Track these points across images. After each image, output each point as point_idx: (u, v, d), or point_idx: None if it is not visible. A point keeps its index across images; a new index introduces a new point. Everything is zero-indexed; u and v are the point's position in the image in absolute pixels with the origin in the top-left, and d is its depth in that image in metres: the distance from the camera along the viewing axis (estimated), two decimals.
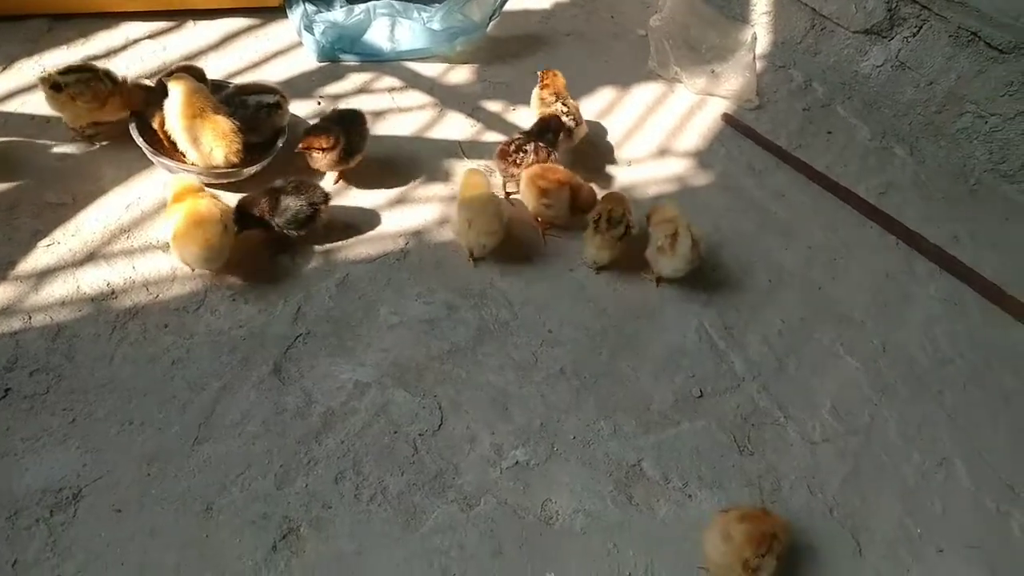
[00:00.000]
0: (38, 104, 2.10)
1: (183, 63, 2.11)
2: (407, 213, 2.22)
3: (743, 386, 2.10)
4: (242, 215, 1.89)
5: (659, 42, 3.04)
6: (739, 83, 3.01)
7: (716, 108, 2.95)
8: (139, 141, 2.01)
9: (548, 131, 2.32)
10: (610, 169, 2.56)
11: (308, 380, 1.79)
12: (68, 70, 1.93)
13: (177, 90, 1.92)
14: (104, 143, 2.06)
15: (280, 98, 2.10)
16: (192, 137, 1.93)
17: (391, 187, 2.26)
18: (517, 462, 1.79)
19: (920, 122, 3.02)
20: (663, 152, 2.70)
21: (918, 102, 3.00)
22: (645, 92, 2.91)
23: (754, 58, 3.08)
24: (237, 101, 2.03)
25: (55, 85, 1.90)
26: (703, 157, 2.74)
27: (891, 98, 3.06)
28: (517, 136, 2.30)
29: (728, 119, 2.92)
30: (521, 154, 2.24)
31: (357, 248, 2.09)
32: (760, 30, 3.28)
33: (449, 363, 1.92)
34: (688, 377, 2.08)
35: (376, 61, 2.58)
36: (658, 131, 2.78)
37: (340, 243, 2.08)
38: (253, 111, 2.04)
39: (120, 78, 2.00)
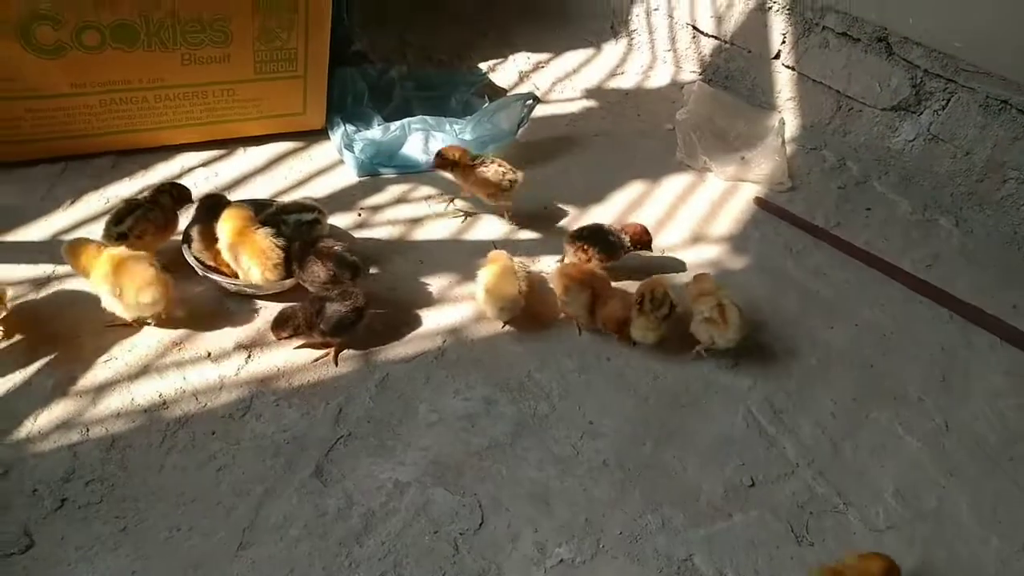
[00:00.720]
0: (100, 233, 2.28)
1: (170, 181, 2.28)
2: (444, 312, 2.27)
3: (797, 472, 2.02)
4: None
5: (686, 134, 3.13)
6: (770, 167, 3.05)
7: (748, 193, 2.98)
8: (189, 259, 2.15)
9: (610, 235, 2.41)
10: (644, 256, 2.59)
11: (349, 481, 1.80)
12: (119, 217, 2.06)
13: (222, 216, 2.07)
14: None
15: (318, 214, 2.23)
16: (233, 256, 2.05)
17: (428, 288, 2.33)
18: (562, 560, 1.74)
19: (962, 192, 2.98)
20: (697, 239, 2.72)
21: (957, 172, 2.98)
22: (675, 183, 2.97)
23: (783, 142, 3.13)
24: (279, 220, 2.16)
25: (120, 236, 2.03)
26: (738, 241, 2.75)
27: (929, 171, 3.05)
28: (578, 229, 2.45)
29: (761, 202, 2.94)
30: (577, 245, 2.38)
31: (396, 348, 2.14)
32: (787, 115, 3.35)
33: (488, 459, 1.91)
34: (738, 466, 2.01)
35: (412, 172, 2.72)
36: (690, 219, 2.81)
37: (379, 344, 2.14)
38: (294, 228, 2.17)
39: (170, 191, 2.17)
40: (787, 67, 3.32)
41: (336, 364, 2.06)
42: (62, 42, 2.20)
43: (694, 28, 3.54)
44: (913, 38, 2.91)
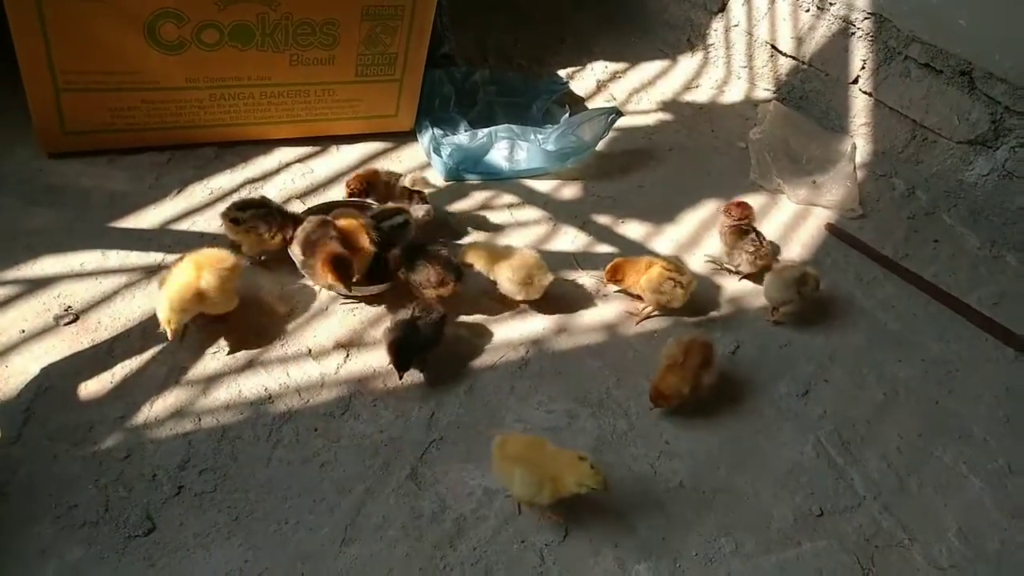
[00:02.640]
0: (205, 223, 2.38)
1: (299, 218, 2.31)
2: (527, 322, 2.35)
3: (864, 505, 2.09)
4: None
5: (760, 154, 3.16)
6: (841, 193, 3.08)
7: (819, 218, 3.02)
8: (294, 258, 2.24)
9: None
10: (719, 280, 2.65)
11: (442, 485, 1.90)
12: (245, 205, 2.19)
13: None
14: (264, 257, 2.30)
15: (407, 216, 2.32)
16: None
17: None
18: None
19: None
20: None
21: None
22: (749, 203, 3.00)
23: (855, 168, 3.15)
24: (375, 227, 2.26)
25: (234, 219, 2.16)
26: (809, 267, 2.78)
27: (1000, 206, 3.06)
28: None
29: (832, 229, 2.98)
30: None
31: (483, 357, 2.23)
32: (860, 140, 3.36)
33: None
34: (807, 494, 2.08)
35: (496, 179, 2.79)
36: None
37: (466, 351, 2.22)
38: (388, 233, 2.26)
39: (290, 213, 2.26)
40: (864, 92, 3.33)
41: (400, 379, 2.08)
42: (183, 39, 2.28)
43: (773, 47, 3.55)
44: (998, 74, 2.91)
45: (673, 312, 2.46)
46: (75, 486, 1.73)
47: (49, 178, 2.39)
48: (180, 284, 1.92)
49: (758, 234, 2.65)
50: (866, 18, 3.21)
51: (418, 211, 2.41)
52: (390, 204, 2.40)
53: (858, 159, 3.21)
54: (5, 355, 1.94)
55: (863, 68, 3.29)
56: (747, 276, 2.65)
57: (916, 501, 2.13)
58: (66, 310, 2.06)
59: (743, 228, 2.63)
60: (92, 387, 1.91)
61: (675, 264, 2.43)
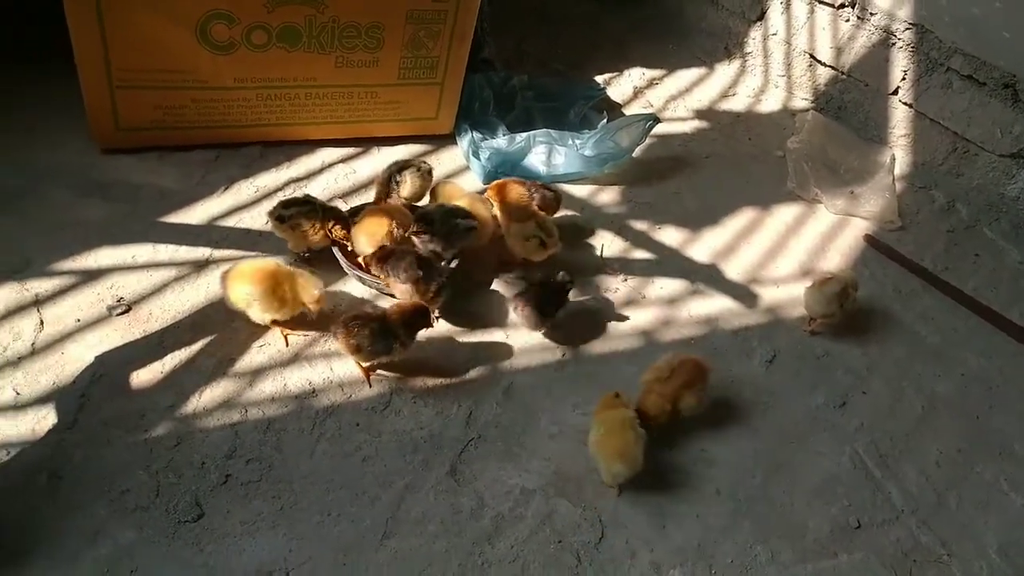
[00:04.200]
0: (251, 220, 2.43)
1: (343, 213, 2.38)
2: (563, 325, 2.36)
3: (902, 519, 2.08)
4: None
5: (798, 163, 3.15)
6: (879, 204, 3.06)
7: (857, 229, 3.00)
8: (339, 256, 2.29)
9: None
10: (756, 289, 2.65)
11: (480, 483, 1.92)
12: (289, 203, 2.23)
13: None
14: (308, 255, 2.34)
15: (477, 224, 2.34)
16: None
17: None
18: None
19: None
20: (806, 272, 2.76)
21: None
22: (786, 212, 3.01)
23: (894, 180, 3.13)
24: (446, 219, 2.29)
25: (279, 217, 2.21)
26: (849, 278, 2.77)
27: None
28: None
29: (870, 240, 2.96)
30: None
31: (520, 357, 2.25)
32: (899, 152, 3.34)
33: None
34: (844, 506, 2.07)
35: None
36: (800, 251, 2.85)
37: (505, 353, 2.25)
38: (462, 231, 2.30)
39: (333, 208, 2.31)
40: (904, 104, 3.30)
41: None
42: (234, 40, 2.34)
43: (811, 56, 3.54)
44: None
45: (708, 322, 2.47)
46: (127, 471, 1.78)
47: (102, 173, 2.45)
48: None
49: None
50: (907, 29, 3.20)
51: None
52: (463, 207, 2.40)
53: (897, 171, 3.20)
54: (61, 343, 2.00)
55: (903, 79, 3.27)
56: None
57: (955, 517, 2.11)
58: (119, 301, 2.12)
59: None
60: (143, 376, 1.97)
61: (548, 223, 2.45)
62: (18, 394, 1.88)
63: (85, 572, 1.61)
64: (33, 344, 1.99)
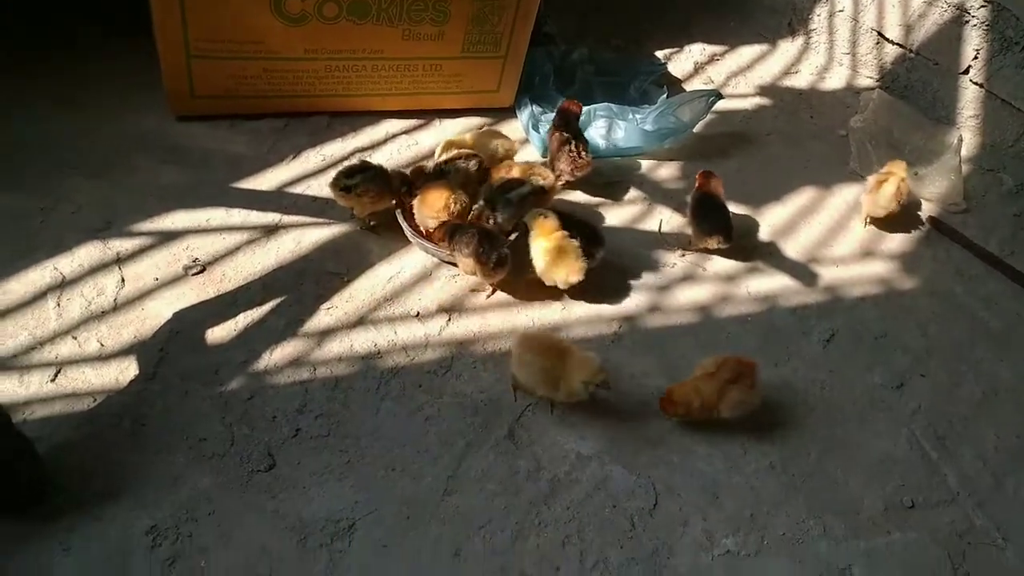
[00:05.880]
0: (318, 188, 2.50)
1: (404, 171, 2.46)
2: (620, 297, 2.39)
3: (958, 501, 2.07)
4: None
5: (860, 143, 3.10)
6: (944, 186, 3.00)
7: (921, 210, 2.95)
8: (403, 224, 2.35)
9: None
10: (816, 268, 2.63)
11: (538, 447, 1.98)
12: (351, 172, 2.28)
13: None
14: (374, 223, 2.41)
15: (531, 187, 2.39)
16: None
17: (604, 274, 2.42)
18: (728, 551, 1.87)
19: None
20: (867, 253, 2.73)
21: None
22: (847, 192, 2.97)
23: (960, 161, 3.05)
24: (499, 196, 2.35)
25: (344, 187, 2.26)
26: (908, 260, 2.74)
27: None
28: None
29: (934, 222, 2.91)
30: None
31: (577, 328, 2.29)
32: (967, 132, 3.25)
33: (662, 448, 2.04)
34: (898, 486, 2.07)
35: (593, 158, 2.82)
36: (861, 232, 2.81)
37: (562, 324, 2.29)
38: (517, 203, 2.35)
39: (400, 175, 2.37)
40: (975, 83, 3.21)
41: None
42: (306, 12, 2.39)
43: (879, 34, 3.46)
44: None
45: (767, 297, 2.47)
46: (204, 422, 1.88)
47: (178, 139, 2.55)
48: None
49: (577, 145, 2.59)
50: (982, 6, 3.09)
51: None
52: (513, 177, 2.44)
53: (964, 152, 3.11)
54: (141, 300, 2.10)
55: (975, 58, 3.17)
56: (568, 185, 2.65)
57: (1012, 502, 2.10)
58: (194, 261, 2.21)
59: (565, 138, 2.60)
60: (218, 333, 2.06)
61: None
62: (103, 346, 1.99)
63: (167, 514, 1.71)
64: (115, 300, 2.09)
